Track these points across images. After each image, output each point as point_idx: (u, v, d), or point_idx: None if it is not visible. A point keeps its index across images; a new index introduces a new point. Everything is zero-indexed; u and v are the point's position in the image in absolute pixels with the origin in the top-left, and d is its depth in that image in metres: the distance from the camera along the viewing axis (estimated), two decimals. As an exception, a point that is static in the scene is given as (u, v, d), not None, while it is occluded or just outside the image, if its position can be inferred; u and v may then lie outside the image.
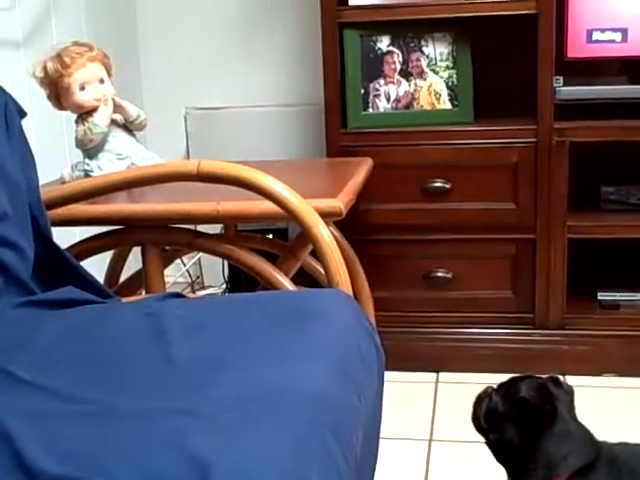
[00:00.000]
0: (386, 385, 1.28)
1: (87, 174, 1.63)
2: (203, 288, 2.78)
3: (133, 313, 1.22)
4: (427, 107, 2.18)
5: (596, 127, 2.05)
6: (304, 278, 1.83)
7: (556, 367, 2.00)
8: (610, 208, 2.13)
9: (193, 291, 2.76)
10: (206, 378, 0.97)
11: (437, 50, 2.17)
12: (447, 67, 2.17)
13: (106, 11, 2.45)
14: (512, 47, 2.27)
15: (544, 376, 1.26)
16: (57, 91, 1.64)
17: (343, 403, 1.01)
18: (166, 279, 1.65)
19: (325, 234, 1.35)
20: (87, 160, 1.66)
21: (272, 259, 1.57)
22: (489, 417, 1.24)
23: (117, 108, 1.68)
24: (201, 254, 2.58)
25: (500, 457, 1.25)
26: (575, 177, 2.08)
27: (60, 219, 1.49)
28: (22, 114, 1.46)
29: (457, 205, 2.13)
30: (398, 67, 2.17)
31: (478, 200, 2.12)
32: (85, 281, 1.39)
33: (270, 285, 1.47)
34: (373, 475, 1.22)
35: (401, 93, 2.17)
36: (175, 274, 2.68)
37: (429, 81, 2.18)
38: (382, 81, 2.17)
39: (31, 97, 1.80)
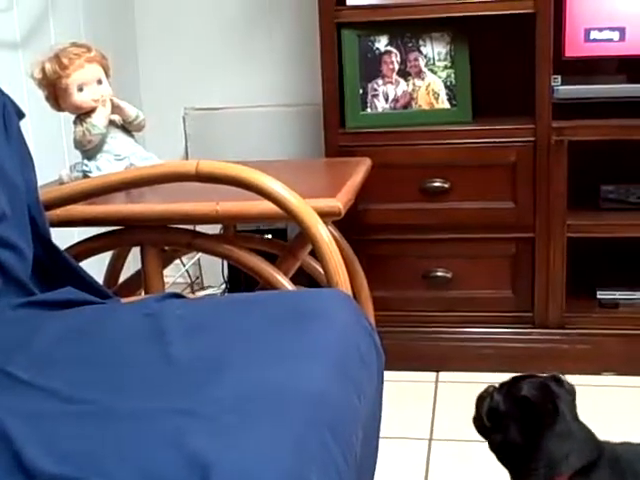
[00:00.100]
0: (386, 385, 1.28)
1: (86, 175, 1.63)
2: (202, 288, 2.78)
3: (132, 313, 1.22)
4: (425, 107, 2.18)
5: (594, 126, 2.05)
6: (303, 278, 1.83)
7: (555, 366, 1.99)
8: (609, 207, 2.12)
9: (192, 291, 2.75)
10: (206, 378, 0.97)
11: (435, 50, 2.17)
12: (445, 67, 2.17)
13: (104, 12, 2.44)
14: (510, 46, 2.26)
15: (546, 375, 1.26)
16: (55, 92, 1.64)
17: (342, 403, 1.01)
18: (165, 279, 1.65)
19: (324, 234, 1.35)
20: (86, 161, 1.66)
21: (271, 259, 1.57)
22: (491, 416, 1.24)
23: (115, 109, 1.68)
24: (200, 254, 2.58)
25: (502, 457, 1.25)
26: (574, 176, 2.08)
27: (59, 220, 1.49)
28: (20, 115, 1.46)
29: (456, 205, 2.13)
30: (396, 67, 2.17)
31: (477, 199, 2.12)
32: (84, 282, 1.39)
33: (269, 285, 1.47)
34: (373, 475, 1.22)
35: (399, 93, 2.17)
36: (174, 274, 2.68)
37: (427, 81, 2.18)
38: (380, 81, 2.17)
39: (29, 98, 1.80)
